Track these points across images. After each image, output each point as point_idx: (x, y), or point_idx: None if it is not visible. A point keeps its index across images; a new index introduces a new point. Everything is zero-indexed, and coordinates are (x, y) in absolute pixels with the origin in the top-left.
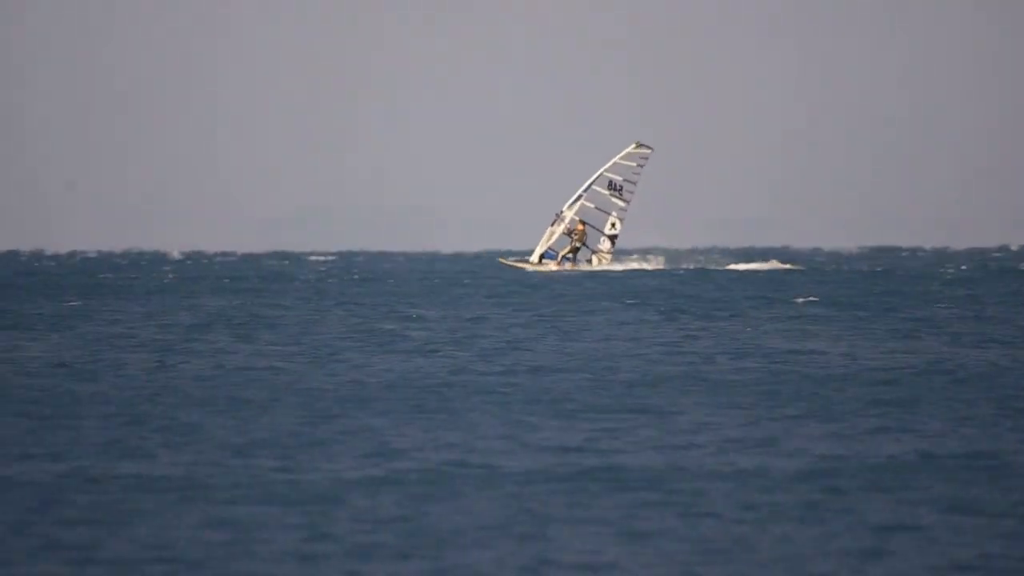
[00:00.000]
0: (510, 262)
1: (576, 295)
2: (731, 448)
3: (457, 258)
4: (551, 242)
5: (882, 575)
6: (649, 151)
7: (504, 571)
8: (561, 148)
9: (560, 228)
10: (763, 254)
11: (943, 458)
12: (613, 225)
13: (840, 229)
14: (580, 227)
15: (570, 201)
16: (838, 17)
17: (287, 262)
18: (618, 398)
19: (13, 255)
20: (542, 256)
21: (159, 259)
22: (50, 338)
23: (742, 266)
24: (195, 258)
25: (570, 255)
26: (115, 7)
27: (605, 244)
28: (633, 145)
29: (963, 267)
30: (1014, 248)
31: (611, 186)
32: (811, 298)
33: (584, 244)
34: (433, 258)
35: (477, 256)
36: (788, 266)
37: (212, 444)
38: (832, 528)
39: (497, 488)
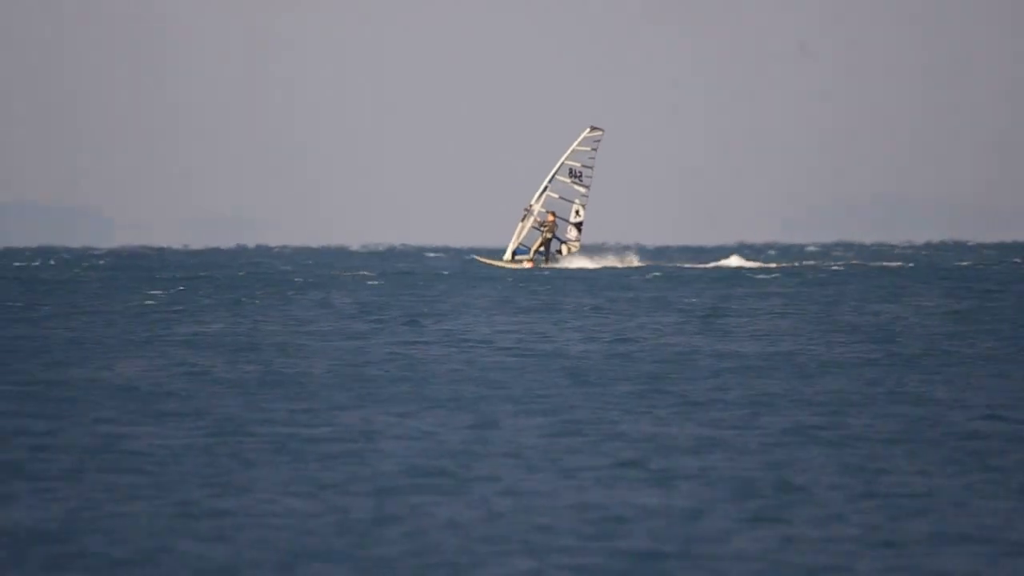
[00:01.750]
0: (485, 260)
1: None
2: None
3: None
4: (521, 237)
5: None
6: (601, 132)
7: None
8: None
9: (529, 222)
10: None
11: None
12: (577, 212)
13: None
14: (551, 218)
15: (537, 194)
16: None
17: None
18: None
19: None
20: (514, 253)
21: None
22: None
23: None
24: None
25: (542, 249)
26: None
27: (572, 232)
28: (587, 130)
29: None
30: None
31: (571, 173)
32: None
33: (555, 235)
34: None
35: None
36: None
37: None
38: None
39: None
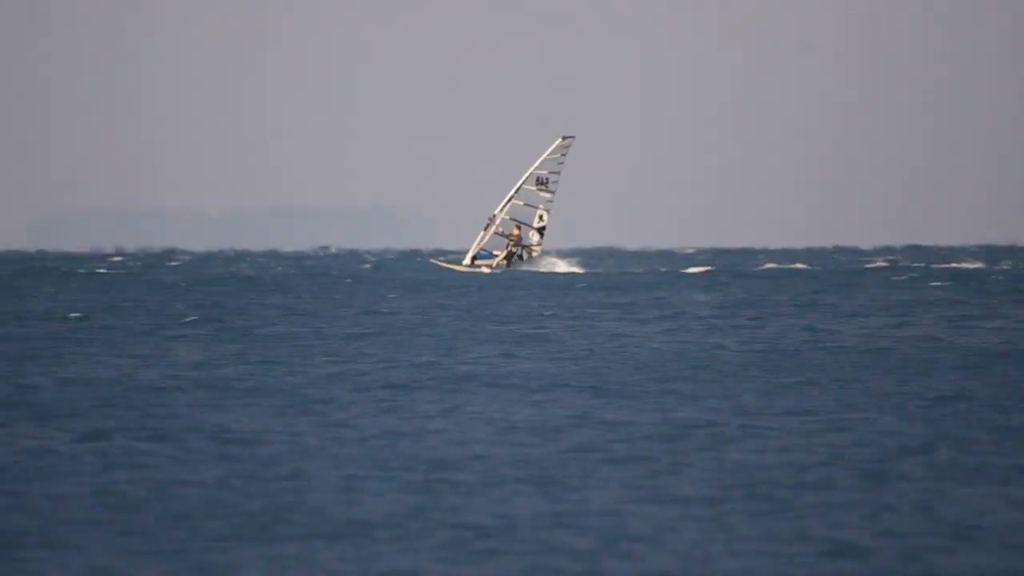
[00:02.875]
0: (441, 263)
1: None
2: None
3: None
4: (484, 243)
5: None
6: (572, 140)
7: None
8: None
9: (492, 230)
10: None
11: None
12: (541, 217)
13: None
14: (516, 231)
15: (502, 203)
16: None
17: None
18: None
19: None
20: (475, 257)
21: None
22: None
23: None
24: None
25: (505, 260)
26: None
27: (535, 237)
28: (560, 139)
29: None
30: None
31: (538, 181)
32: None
33: (520, 245)
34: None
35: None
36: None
37: None
38: None
39: None
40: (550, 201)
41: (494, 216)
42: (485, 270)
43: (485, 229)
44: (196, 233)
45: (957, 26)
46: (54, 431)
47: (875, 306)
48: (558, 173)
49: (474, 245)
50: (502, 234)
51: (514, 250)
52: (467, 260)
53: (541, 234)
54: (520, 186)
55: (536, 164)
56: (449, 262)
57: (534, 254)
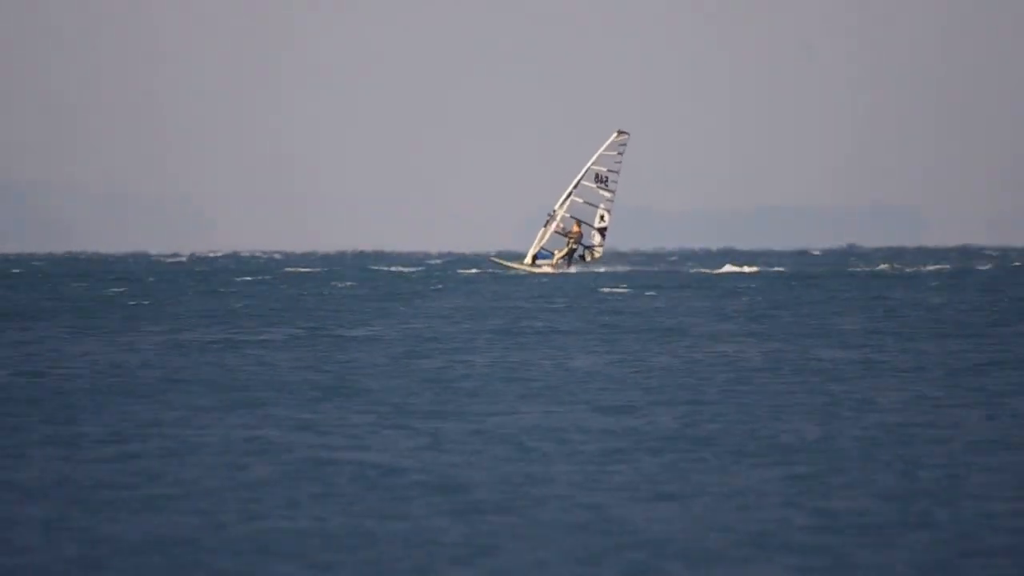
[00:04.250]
0: (502, 263)
1: None
2: None
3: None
4: (544, 242)
5: None
6: (627, 136)
7: None
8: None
9: (552, 227)
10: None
11: None
12: (602, 217)
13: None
14: (576, 228)
15: (561, 199)
16: None
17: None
18: None
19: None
20: (535, 257)
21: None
22: None
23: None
24: None
25: (566, 257)
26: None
27: (596, 238)
28: (615, 134)
29: None
30: None
31: (597, 178)
32: None
33: (580, 243)
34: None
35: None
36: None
37: None
38: None
39: None
40: (610, 200)
41: (554, 212)
42: (547, 269)
43: (545, 226)
44: None
45: None
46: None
47: None
48: (617, 172)
49: (535, 244)
50: (562, 232)
51: (575, 247)
52: (528, 259)
53: (603, 235)
54: (579, 182)
55: (593, 159)
56: (511, 261)
57: (597, 255)
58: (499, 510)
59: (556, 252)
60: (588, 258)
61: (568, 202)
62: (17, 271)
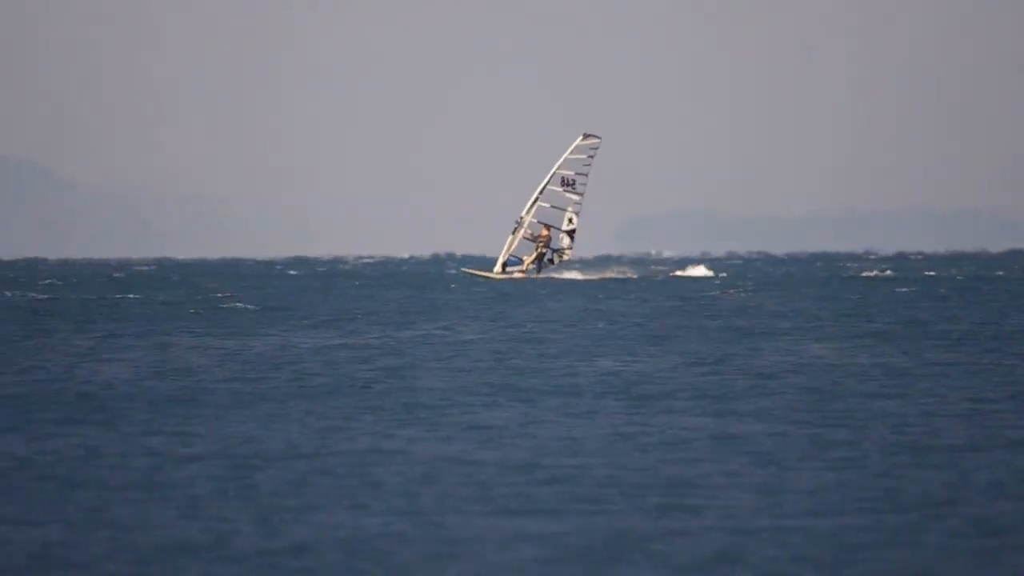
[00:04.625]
0: (474, 272)
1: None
2: None
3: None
4: (512, 249)
5: None
6: (598, 140)
7: None
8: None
9: (520, 234)
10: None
11: None
12: (570, 220)
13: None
14: (545, 232)
15: (528, 205)
16: None
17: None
18: None
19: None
20: (505, 264)
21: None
22: None
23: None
24: None
25: (536, 262)
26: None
27: (565, 241)
28: (580, 137)
29: None
30: None
31: (564, 182)
32: None
33: (548, 247)
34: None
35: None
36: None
37: None
38: None
39: None
40: (578, 203)
41: (521, 219)
42: (518, 275)
43: (513, 233)
44: None
45: None
46: None
47: None
48: (585, 175)
49: (504, 251)
50: (530, 237)
51: (544, 251)
52: (498, 267)
53: (571, 237)
54: (545, 186)
55: (559, 163)
56: (482, 270)
57: (565, 258)
58: None
59: (525, 258)
60: (556, 261)
61: (535, 207)
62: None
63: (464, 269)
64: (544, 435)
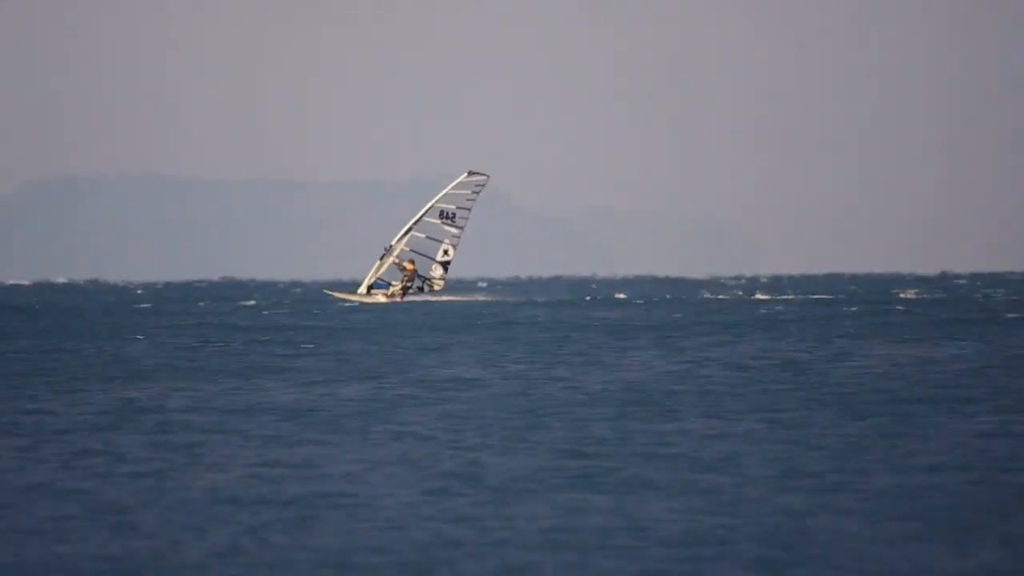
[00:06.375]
0: (336, 294)
1: None
2: None
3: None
4: (380, 273)
5: None
6: (485, 178)
7: None
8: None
9: (388, 261)
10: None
11: None
12: (446, 252)
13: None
14: (410, 266)
15: (399, 234)
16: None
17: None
18: None
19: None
20: (370, 287)
21: None
22: None
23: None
24: None
25: (401, 291)
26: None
27: (437, 271)
28: (465, 174)
29: None
30: None
31: (443, 215)
32: None
33: (413, 280)
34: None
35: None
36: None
37: None
38: None
39: None
40: (457, 236)
41: (391, 247)
42: (382, 299)
43: (381, 259)
44: None
45: None
46: None
47: None
48: (468, 209)
49: (370, 274)
50: (399, 266)
51: (408, 285)
52: (363, 289)
53: (445, 268)
54: (420, 218)
55: (438, 197)
56: (345, 292)
57: (436, 287)
58: None
59: (393, 284)
60: (427, 289)
61: (408, 237)
62: None
63: (326, 291)
64: None
